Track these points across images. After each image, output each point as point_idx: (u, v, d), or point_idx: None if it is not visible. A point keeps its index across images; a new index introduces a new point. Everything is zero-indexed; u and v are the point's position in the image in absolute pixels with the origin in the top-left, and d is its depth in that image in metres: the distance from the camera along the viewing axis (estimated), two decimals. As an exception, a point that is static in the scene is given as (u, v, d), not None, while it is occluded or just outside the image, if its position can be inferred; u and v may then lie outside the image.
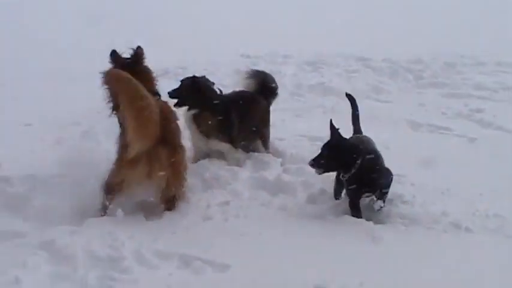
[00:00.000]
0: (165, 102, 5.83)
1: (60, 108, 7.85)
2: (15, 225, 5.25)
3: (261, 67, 9.12)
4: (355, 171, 5.49)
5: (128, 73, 5.44)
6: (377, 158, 5.62)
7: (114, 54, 5.93)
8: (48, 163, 6.35)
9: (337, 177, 5.77)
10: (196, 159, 6.72)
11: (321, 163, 5.51)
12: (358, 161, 5.47)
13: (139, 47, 6.00)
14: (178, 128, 5.80)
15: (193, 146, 6.83)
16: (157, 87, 6.07)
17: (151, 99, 5.16)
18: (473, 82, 10.31)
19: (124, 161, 5.31)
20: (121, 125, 5.63)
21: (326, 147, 5.53)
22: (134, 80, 5.14)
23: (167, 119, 5.48)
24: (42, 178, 6.00)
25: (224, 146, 6.74)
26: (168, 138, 5.38)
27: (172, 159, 5.38)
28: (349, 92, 6.56)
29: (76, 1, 15.19)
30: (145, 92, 5.13)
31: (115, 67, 5.87)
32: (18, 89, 9.11)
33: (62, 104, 7.98)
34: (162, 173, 5.30)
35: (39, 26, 12.99)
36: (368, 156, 5.52)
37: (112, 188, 5.44)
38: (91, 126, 7.26)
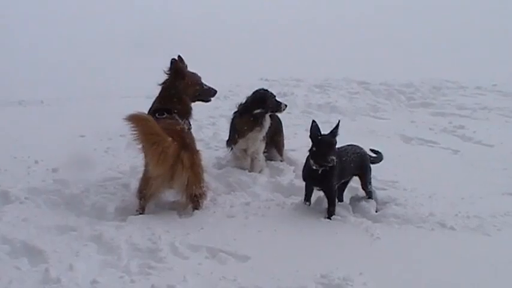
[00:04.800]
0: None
1: (109, 122, 7.82)
2: (70, 220, 5.27)
3: (276, 89, 9.11)
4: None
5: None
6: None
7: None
8: (99, 169, 6.38)
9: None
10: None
11: None
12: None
13: (172, 60, 5.95)
14: (193, 138, 5.81)
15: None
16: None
17: (163, 135, 5.12)
18: (456, 103, 10.23)
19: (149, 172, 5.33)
20: None
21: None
22: (151, 121, 5.15)
23: (183, 132, 5.53)
24: (93, 181, 6.02)
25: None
26: (187, 145, 5.36)
27: (192, 162, 5.34)
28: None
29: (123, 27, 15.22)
30: (158, 129, 5.11)
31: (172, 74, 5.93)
32: (74, 107, 9.17)
33: (110, 119, 7.94)
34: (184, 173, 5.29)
35: (93, 52, 13.03)
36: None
37: (143, 192, 5.44)
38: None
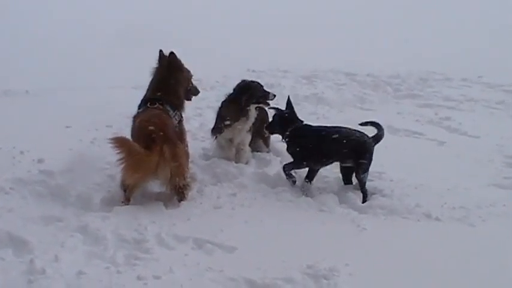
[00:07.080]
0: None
1: (95, 113, 7.81)
2: (56, 211, 5.21)
3: (264, 80, 9.09)
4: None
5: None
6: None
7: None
8: (84, 159, 6.32)
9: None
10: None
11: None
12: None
13: (171, 52, 6.01)
14: (181, 131, 5.97)
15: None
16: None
17: (141, 153, 5.10)
18: (443, 94, 10.30)
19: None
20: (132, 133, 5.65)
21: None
22: (139, 152, 5.09)
23: (166, 124, 5.53)
24: (79, 172, 5.95)
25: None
26: (169, 137, 5.32)
27: (174, 154, 5.28)
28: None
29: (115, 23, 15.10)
30: (137, 148, 5.09)
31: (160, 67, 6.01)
32: (60, 97, 9.07)
33: (96, 110, 7.94)
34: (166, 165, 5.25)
35: (84, 45, 12.91)
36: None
37: (126, 184, 5.38)
38: (120, 129, 7.14)
